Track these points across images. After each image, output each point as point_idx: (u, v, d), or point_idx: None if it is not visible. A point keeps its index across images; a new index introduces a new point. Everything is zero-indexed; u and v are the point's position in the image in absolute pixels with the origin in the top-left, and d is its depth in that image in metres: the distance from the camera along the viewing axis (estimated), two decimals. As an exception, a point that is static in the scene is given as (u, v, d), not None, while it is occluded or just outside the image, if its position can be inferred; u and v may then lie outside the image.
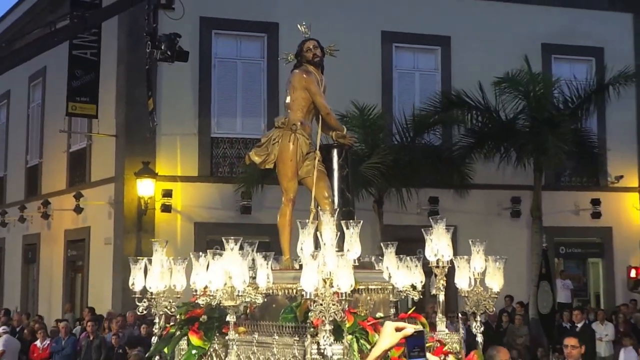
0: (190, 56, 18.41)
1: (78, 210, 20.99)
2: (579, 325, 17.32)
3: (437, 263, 6.50)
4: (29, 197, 24.90)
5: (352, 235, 5.76)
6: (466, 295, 6.60)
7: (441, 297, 6.66)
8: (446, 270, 6.55)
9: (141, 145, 19.73)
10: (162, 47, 13.50)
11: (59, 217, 22.44)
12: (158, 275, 6.59)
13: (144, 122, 18.89)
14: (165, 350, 6.68)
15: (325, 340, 5.29)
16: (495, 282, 6.60)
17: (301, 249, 6.09)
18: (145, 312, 6.76)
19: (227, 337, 6.02)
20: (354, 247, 5.73)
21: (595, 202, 22.45)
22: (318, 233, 6.11)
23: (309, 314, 5.62)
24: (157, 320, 6.81)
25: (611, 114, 22.55)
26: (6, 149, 27.68)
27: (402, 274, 6.84)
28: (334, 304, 5.24)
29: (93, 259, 21.35)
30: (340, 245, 5.85)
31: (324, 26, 20.29)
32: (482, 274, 6.58)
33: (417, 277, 6.92)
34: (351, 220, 5.80)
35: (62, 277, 22.98)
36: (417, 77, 22.29)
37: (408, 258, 6.96)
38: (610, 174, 23.14)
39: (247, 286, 5.95)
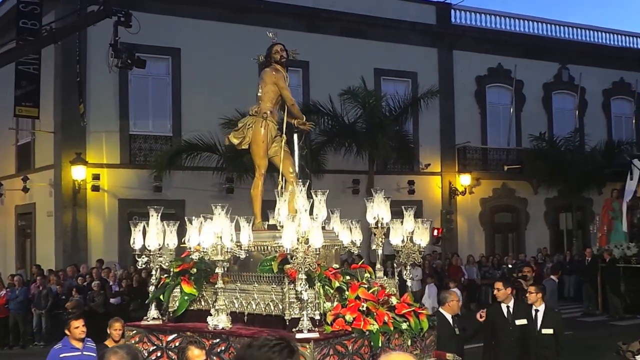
0: (112, 72, 18.16)
1: (25, 190, 20.38)
2: (398, 269, 17.86)
3: (377, 224, 6.23)
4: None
5: (320, 202, 5.65)
6: (400, 249, 6.34)
7: (379, 251, 6.40)
8: (385, 230, 6.30)
9: (74, 140, 19.33)
10: (123, 57, 12.91)
11: (10, 195, 21.63)
12: (154, 236, 6.19)
13: (76, 122, 18.62)
14: (161, 297, 6.33)
15: (301, 287, 5.18)
16: (423, 239, 6.37)
17: (278, 214, 6.12)
18: (144, 266, 6.32)
19: (215, 286, 5.73)
20: (321, 212, 5.62)
21: (411, 183, 23.09)
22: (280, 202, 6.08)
23: (285, 266, 5.48)
24: (153, 272, 6.36)
25: (422, 119, 23.22)
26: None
27: (345, 234, 6.55)
28: (308, 258, 5.13)
29: (38, 228, 20.77)
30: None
31: (214, 51, 20.60)
32: (411, 233, 6.34)
33: (357, 236, 6.62)
34: (319, 190, 5.73)
35: (14, 242, 22.21)
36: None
37: (349, 221, 6.64)
38: (421, 162, 23.96)
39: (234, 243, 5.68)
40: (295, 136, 7.44)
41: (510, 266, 20.73)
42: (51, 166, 19.86)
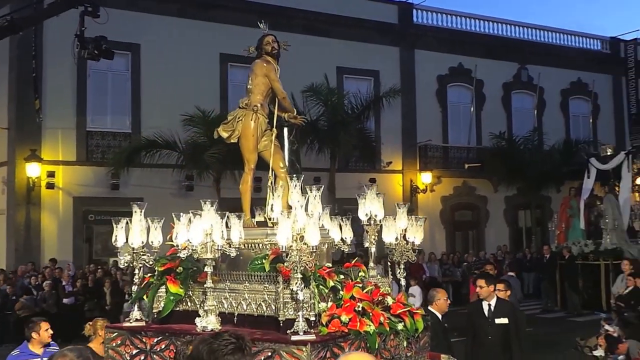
0: (70, 67, 17.73)
1: (-22, 187, 19.70)
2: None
3: (369, 221, 5.96)
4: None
5: (315, 198, 5.36)
6: (393, 247, 6.05)
7: (373, 249, 6.09)
8: (378, 227, 6.02)
9: (29, 136, 18.84)
10: (90, 47, 12.43)
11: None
12: (138, 233, 5.84)
13: (32, 118, 18.08)
14: (145, 297, 5.98)
15: (297, 287, 4.93)
16: (417, 236, 6.14)
17: (271, 210, 5.78)
18: (126, 265, 5.94)
19: (205, 285, 5.42)
20: (317, 208, 5.33)
21: (372, 181, 22.78)
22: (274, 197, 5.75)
23: (277, 264, 5.24)
24: (136, 271, 6.01)
25: (384, 118, 23.28)
26: None
27: (335, 231, 6.26)
28: (304, 256, 4.87)
29: (-10, 227, 20.09)
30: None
31: (175, 47, 20.29)
32: (405, 230, 6.07)
33: (347, 233, 6.35)
34: (314, 186, 5.42)
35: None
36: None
37: (340, 218, 6.36)
38: (383, 160, 24.07)
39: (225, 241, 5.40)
40: (286, 130, 7.08)
41: (466, 263, 20.93)
42: (4, 163, 19.31)
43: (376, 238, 6.03)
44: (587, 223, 20.10)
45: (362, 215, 6.00)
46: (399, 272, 6.10)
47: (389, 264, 6.22)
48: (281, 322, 5.12)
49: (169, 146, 18.45)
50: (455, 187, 25.54)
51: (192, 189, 19.29)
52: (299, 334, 4.84)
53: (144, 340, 5.61)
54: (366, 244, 6.09)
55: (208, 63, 21.10)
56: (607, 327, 12.83)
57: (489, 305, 7.62)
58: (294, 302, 5.08)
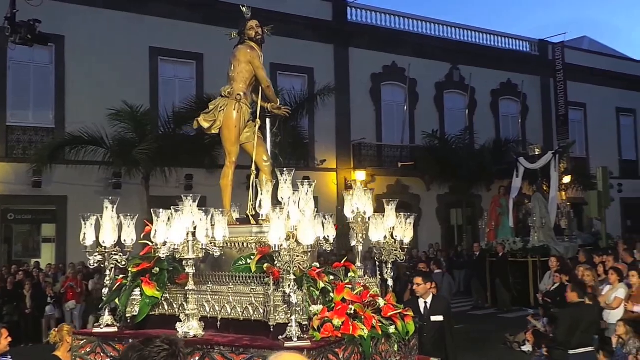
0: (10, 50, 16.80)
1: None
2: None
3: (356, 219, 5.69)
4: None
5: (308, 194, 5.04)
6: (381, 246, 5.80)
7: (360, 248, 5.83)
8: (367, 225, 5.73)
9: (-56, 131, 17.80)
10: (22, 32, 11.63)
11: None
12: (110, 231, 5.43)
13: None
14: (117, 301, 5.56)
15: (290, 289, 4.60)
16: (407, 235, 5.93)
17: (260, 206, 5.48)
18: (96, 265, 5.50)
19: (186, 288, 5.06)
20: (309, 204, 4.99)
21: (306, 179, 22.68)
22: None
23: (265, 265, 4.95)
24: (108, 272, 5.56)
25: (318, 116, 23.13)
26: None
27: (319, 229, 5.83)
28: (298, 256, 4.57)
29: None
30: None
31: (102, 39, 19.63)
32: (392, 228, 5.84)
33: (330, 231, 5.91)
34: (306, 180, 5.12)
35: None
36: (177, 83, 21.88)
37: (321, 215, 5.94)
38: (317, 158, 24.00)
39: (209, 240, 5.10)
40: (268, 122, 6.76)
41: (400, 261, 20.99)
42: None
43: (364, 236, 5.76)
44: (515, 221, 20.56)
45: (347, 212, 5.74)
46: (386, 272, 5.87)
47: (377, 263, 5.96)
48: (272, 327, 4.80)
49: (95, 142, 17.80)
50: (389, 186, 25.65)
51: (120, 187, 18.70)
52: (292, 340, 4.54)
53: (117, 347, 5.23)
54: (353, 242, 5.82)
55: (137, 56, 20.52)
56: (534, 322, 13.12)
57: (425, 302, 7.65)
58: (285, 306, 4.78)
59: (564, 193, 22.05)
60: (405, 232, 5.93)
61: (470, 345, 11.63)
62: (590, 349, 8.09)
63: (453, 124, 27.03)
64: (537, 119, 30.81)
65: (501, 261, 18.92)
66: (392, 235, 5.87)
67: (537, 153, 21.38)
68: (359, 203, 5.71)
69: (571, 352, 7.89)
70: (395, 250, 5.83)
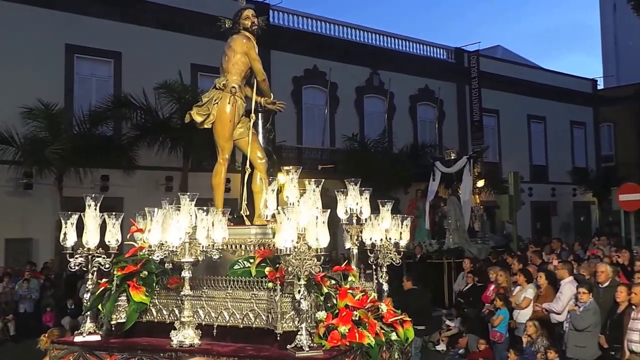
0: None
1: None
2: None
3: (350, 220, 5.47)
4: None
5: (315, 194, 4.81)
6: (378, 249, 5.55)
7: (355, 251, 5.59)
8: (363, 227, 5.50)
9: None
10: None
11: None
12: (94, 231, 5.06)
13: None
14: (100, 307, 5.17)
15: (301, 295, 4.29)
16: (403, 237, 5.74)
17: (265, 207, 5.24)
18: (77, 268, 5.03)
19: (181, 293, 4.73)
20: (318, 204, 4.75)
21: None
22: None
23: (266, 268, 4.70)
24: (90, 275, 5.15)
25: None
26: None
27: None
28: (309, 259, 4.28)
29: None
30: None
31: (14, 35, 18.87)
32: (387, 231, 5.67)
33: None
34: (313, 180, 4.87)
35: None
36: (94, 82, 21.28)
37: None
38: (237, 160, 23.81)
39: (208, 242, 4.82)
40: (261, 117, 6.48)
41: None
42: None
43: (359, 239, 5.54)
44: (431, 223, 21.09)
45: (341, 213, 5.48)
46: (381, 276, 5.63)
47: (373, 267, 5.70)
48: (278, 335, 4.51)
49: (5, 141, 17.11)
50: (309, 188, 25.83)
51: (31, 187, 18.02)
52: (303, 350, 4.26)
53: (103, 357, 4.91)
54: (347, 245, 5.59)
55: (52, 54, 19.82)
56: (448, 322, 13.52)
57: None
58: (292, 312, 4.49)
59: (477, 196, 22.76)
60: (402, 234, 5.76)
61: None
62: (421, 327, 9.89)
63: (372, 128, 27.47)
64: (453, 125, 31.72)
65: (420, 262, 19.35)
66: (387, 238, 5.68)
67: (452, 157, 22.01)
68: (353, 203, 5.52)
69: None
70: (390, 253, 5.61)
